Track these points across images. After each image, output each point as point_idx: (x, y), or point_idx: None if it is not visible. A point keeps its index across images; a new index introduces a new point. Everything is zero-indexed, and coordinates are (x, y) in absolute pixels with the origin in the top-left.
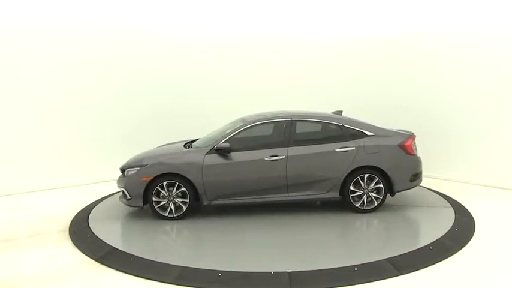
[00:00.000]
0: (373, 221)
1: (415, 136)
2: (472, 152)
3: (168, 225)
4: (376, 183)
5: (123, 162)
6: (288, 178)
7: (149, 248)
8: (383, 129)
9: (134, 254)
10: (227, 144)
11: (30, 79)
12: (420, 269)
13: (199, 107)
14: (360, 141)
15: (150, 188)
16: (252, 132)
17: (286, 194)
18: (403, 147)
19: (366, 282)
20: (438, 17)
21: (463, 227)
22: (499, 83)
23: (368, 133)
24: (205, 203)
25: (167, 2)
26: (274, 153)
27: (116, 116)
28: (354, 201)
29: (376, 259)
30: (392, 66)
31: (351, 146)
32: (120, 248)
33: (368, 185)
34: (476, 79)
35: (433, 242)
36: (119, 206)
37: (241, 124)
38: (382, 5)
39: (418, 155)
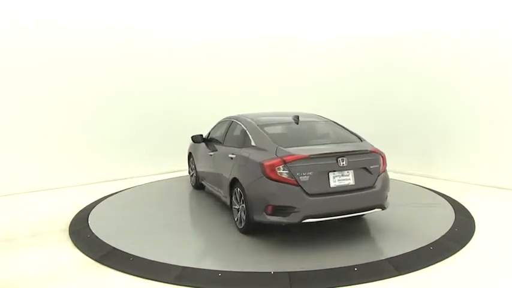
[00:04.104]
0: (373, 221)
1: (298, 157)
2: (472, 152)
3: (168, 225)
4: (243, 202)
5: (122, 162)
6: (214, 174)
7: (149, 248)
8: (268, 142)
9: (134, 254)
10: (197, 137)
11: (30, 79)
12: (420, 269)
13: (200, 108)
14: (242, 151)
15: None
16: (222, 129)
17: (218, 189)
18: (262, 166)
19: (366, 282)
20: (437, 17)
21: (463, 227)
22: (499, 82)
23: (252, 143)
24: (200, 180)
25: (170, 4)
26: (213, 149)
27: (116, 117)
28: (235, 214)
29: (376, 259)
30: (392, 66)
31: (235, 154)
32: (120, 248)
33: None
34: (476, 79)
35: (433, 242)
36: (119, 206)
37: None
38: (380, 5)
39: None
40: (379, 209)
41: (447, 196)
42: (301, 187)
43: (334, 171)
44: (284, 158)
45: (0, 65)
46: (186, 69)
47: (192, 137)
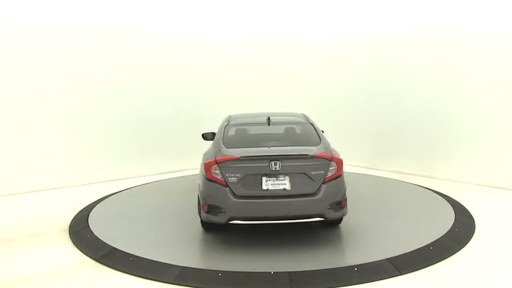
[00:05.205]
0: (373, 221)
1: (228, 158)
2: (471, 152)
3: (168, 225)
4: None
5: (122, 162)
6: None
7: (149, 248)
8: (219, 142)
9: (134, 254)
10: (207, 134)
11: (30, 79)
12: (420, 269)
13: (200, 108)
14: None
15: None
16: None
17: None
18: (203, 165)
19: (366, 282)
20: (436, 17)
21: (463, 227)
22: (499, 82)
23: (213, 142)
24: None
25: (169, 5)
26: None
27: (116, 117)
28: None
29: (376, 259)
30: (392, 67)
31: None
32: (120, 248)
33: None
34: (476, 79)
35: (433, 242)
36: (119, 206)
37: None
38: (381, 5)
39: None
40: (321, 219)
41: (447, 196)
42: (230, 188)
43: (267, 174)
44: (216, 159)
45: None
46: (187, 69)
47: (202, 134)
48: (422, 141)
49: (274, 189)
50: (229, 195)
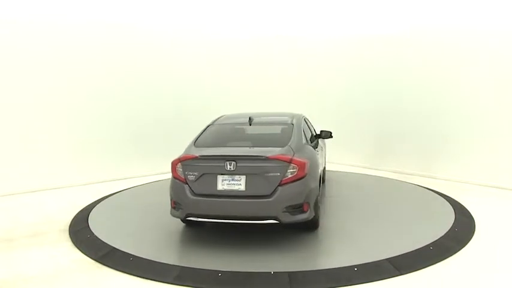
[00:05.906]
0: (372, 221)
1: (188, 157)
2: (471, 152)
3: (168, 225)
4: None
5: (123, 162)
6: None
7: (149, 248)
8: (192, 141)
9: (134, 254)
10: None
11: (30, 79)
12: (420, 269)
13: (200, 108)
14: None
15: None
16: None
17: None
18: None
19: (366, 282)
20: (436, 17)
21: (463, 227)
22: (499, 82)
23: None
24: None
25: (169, 5)
26: None
27: (116, 117)
28: None
29: (376, 259)
30: (391, 66)
31: None
32: (120, 248)
33: None
34: (476, 79)
35: (433, 242)
36: (119, 206)
37: None
38: (382, 5)
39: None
40: (275, 221)
41: (447, 196)
42: (189, 186)
43: (223, 174)
44: (180, 157)
45: None
46: (187, 69)
47: None
48: (422, 141)
49: (229, 189)
50: (188, 192)
